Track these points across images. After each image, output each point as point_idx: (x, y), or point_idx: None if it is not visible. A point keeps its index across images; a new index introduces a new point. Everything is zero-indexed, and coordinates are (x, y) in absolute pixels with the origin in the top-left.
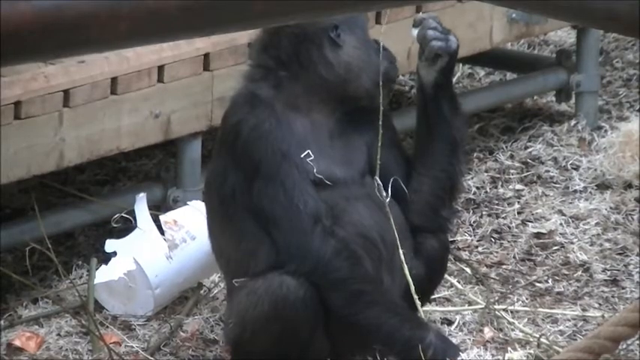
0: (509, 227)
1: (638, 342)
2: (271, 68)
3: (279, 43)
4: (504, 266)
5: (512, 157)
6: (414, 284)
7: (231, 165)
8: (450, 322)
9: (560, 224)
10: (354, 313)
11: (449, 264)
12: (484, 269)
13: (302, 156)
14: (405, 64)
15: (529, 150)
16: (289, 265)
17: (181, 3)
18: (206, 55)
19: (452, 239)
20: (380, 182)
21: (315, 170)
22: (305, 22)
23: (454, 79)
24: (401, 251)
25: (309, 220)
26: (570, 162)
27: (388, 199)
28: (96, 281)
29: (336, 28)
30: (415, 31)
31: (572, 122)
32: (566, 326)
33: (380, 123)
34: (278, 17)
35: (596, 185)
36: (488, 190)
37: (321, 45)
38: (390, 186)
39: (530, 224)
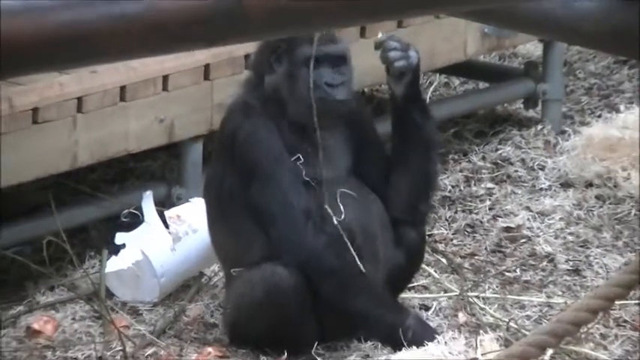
0: (481, 222)
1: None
2: (258, 79)
3: (260, 56)
4: (477, 257)
5: (484, 158)
6: (394, 272)
7: (229, 168)
8: (427, 308)
9: (528, 219)
10: (342, 300)
11: (426, 255)
12: (458, 260)
13: (292, 159)
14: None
15: (499, 152)
16: (284, 257)
17: (187, 16)
18: (206, 66)
19: (429, 232)
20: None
21: (304, 173)
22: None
23: (432, 88)
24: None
25: (302, 217)
26: (537, 163)
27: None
28: (107, 270)
29: (276, 53)
30: (378, 53)
31: (539, 127)
32: (533, 311)
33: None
34: (274, 32)
35: (560, 184)
36: (462, 188)
37: (265, 66)
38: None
39: (500, 219)
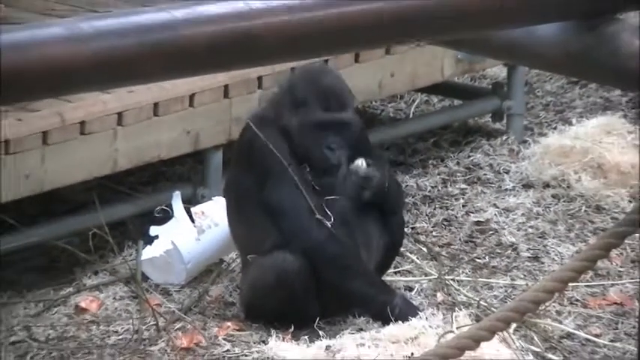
0: (456, 217)
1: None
2: (274, 111)
3: (281, 100)
4: (452, 246)
5: (458, 163)
6: (382, 251)
7: (246, 171)
8: (411, 289)
9: (495, 214)
10: (341, 283)
11: (410, 244)
12: (437, 248)
13: (300, 167)
14: (376, 91)
15: (471, 158)
16: (292, 246)
17: (210, 44)
18: (225, 86)
19: (412, 225)
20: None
21: (310, 178)
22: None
23: (415, 105)
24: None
25: (307, 213)
26: (502, 167)
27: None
28: (142, 258)
29: (295, 109)
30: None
31: (504, 137)
32: (499, 292)
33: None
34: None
35: (522, 185)
36: (440, 188)
37: (283, 111)
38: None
39: (471, 214)
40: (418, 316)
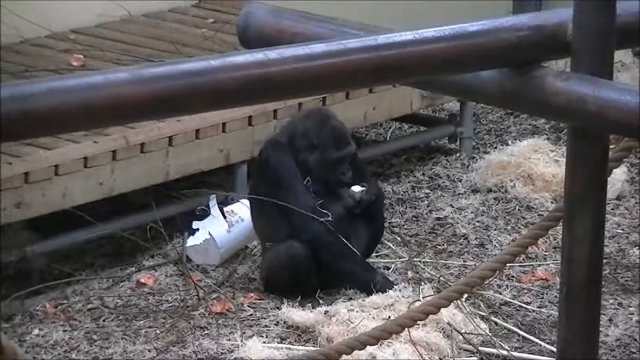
0: (422, 214)
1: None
2: (289, 139)
3: (293, 116)
4: (419, 236)
5: (423, 174)
6: (367, 241)
7: (263, 182)
8: (388, 268)
9: (451, 212)
10: (335, 264)
11: (388, 235)
12: (407, 238)
13: (305, 180)
14: (362, 120)
15: (433, 170)
16: (300, 237)
17: (238, 85)
18: (250, 117)
19: (389, 220)
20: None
21: (311, 189)
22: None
23: (390, 131)
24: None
25: (310, 212)
26: (456, 177)
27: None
28: (187, 245)
29: (312, 147)
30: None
31: (458, 155)
32: (454, 271)
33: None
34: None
35: (471, 190)
36: (410, 193)
37: (302, 146)
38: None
39: (434, 212)
40: (394, 289)
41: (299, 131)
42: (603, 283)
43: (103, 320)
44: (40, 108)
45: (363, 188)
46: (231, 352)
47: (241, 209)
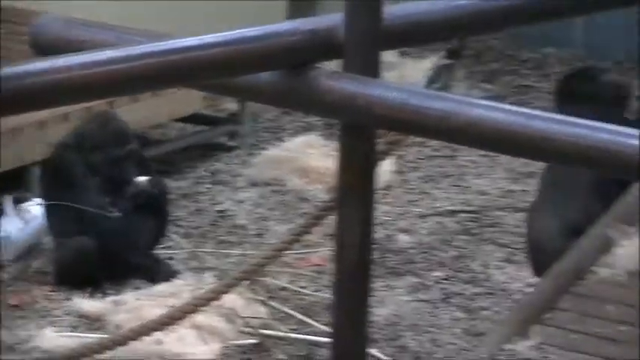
0: (204, 207)
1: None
2: (78, 131)
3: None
4: (202, 228)
5: (205, 170)
6: (154, 233)
7: (55, 182)
8: (172, 259)
9: (231, 205)
10: (123, 257)
11: (173, 228)
12: (191, 230)
13: (94, 179)
14: (148, 121)
15: (215, 166)
16: (89, 233)
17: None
18: (43, 121)
19: (174, 215)
20: None
21: (100, 188)
22: None
23: (175, 130)
24: None
25: (100, 210)
26: (237, 172)
27: None
28: None
29: None
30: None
31: (238, 151)
32: (235, 259)
33: None
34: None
35: (251, 184)
36: (192, 188)
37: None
38: None
39: (215, 205)
40: (178, 278)
41: (86, 133)
42: (373, 267)
43: None
44: None
45: (148, 178)
46: (27, 342)
47: (35, 208)
